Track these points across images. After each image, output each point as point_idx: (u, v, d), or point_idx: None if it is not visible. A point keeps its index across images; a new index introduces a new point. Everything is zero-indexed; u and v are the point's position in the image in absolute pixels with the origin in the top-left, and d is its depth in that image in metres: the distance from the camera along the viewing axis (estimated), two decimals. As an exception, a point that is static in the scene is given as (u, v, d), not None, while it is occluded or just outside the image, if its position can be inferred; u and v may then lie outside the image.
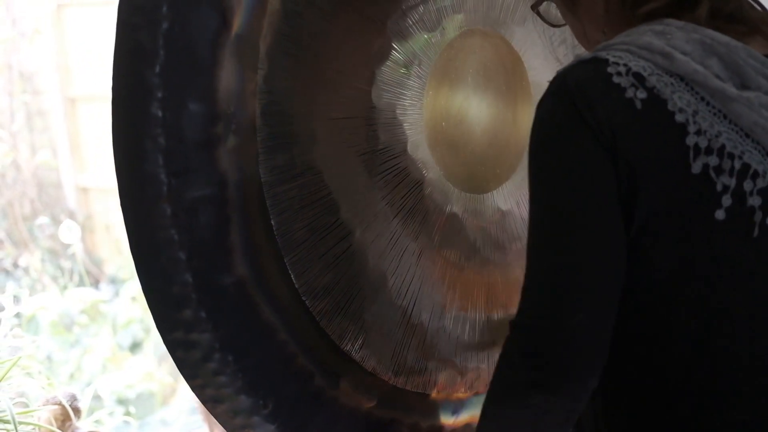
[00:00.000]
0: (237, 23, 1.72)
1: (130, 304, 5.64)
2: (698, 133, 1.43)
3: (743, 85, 1.46)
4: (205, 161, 1.72)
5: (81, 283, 5.97)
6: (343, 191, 1.94)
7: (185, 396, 4.81)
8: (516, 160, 2.18)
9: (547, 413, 1.45)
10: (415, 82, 2.04)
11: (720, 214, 1.43)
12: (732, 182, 1.43)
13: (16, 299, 2.59)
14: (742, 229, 1.45)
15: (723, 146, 1.43)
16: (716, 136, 1.43)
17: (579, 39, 1.76)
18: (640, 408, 1.53)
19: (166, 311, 1.74)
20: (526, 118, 2.17)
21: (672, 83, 1.44)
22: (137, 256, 1.71)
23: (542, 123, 1.49)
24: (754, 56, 1.49)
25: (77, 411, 2.41)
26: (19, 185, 6.72)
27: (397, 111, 2.01)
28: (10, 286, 2.75)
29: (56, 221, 6.08)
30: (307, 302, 1.89)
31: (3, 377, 2.33)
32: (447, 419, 2.13)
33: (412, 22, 2.03)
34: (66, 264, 6.04)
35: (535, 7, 1.80)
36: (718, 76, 1.45)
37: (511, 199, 2.19)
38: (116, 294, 5.92)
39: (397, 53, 2.02)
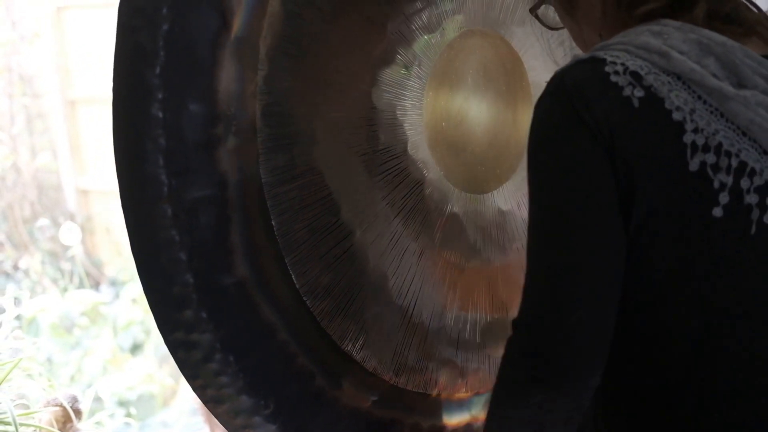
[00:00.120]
0: (237, 24, 1.73)
1: (131, 306, 5.65)
2: (695, 131, 1.43)
3: (740, 84, 1.47)
4: (206, 162, 1.72)
5: (81, 285, 5.97)
6: (344, 192, 1.95)
7: (186, 397, 4.81)
8: (516, 161, 2.18)
9: (549, 412, 1.46)
10: (415, 82, 2.04)
11: (717, 212, 1.43)
12: (729, 180, 1.43)
13: (17, 301, 2.59)
14: (739, 227, 1.45)
15: (720, 144, 1.43)
16: (713, 134, 1.43)
17: (576, 42, 1.77)
18: (640, 408, 1.53)
19: (167, 312, 1.74)
20: (526, 118, 2.17)
21: (669, 82, 1.45)
22: (138, 256, 1.72)
23: (540, 123, 1.49)
24: (750, 56, 1.50)
25: (78, 412, 2.41)
26: (20, 188, 6.73)
27: (398, 111, 2.02)
28: (11, 289, 2.75)
29: (56, 223, 6.09)
30: (307, 302, 1.89)
31: (4, 379, 2.34)
32: (448, 419, 2.13)
33: (412, 23, 2.03)
34: (66, 266, 6.05)
35: (533, 11, 1.81)
36: (715, 75, 1.46)
37: (512, 199, 2.20)
38: (116, 296, 5.92)
39: (398, 54, 2.02)
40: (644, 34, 1.49)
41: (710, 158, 1.43)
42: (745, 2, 1.62)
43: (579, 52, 1.80)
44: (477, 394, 2.17)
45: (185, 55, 1.67)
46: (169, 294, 1.72)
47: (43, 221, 6.24)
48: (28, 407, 2.37)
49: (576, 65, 1.49)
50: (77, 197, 6.82)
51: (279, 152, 1.83)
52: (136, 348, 5.43)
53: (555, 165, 1.47)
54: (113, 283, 6.21)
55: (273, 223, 1.83)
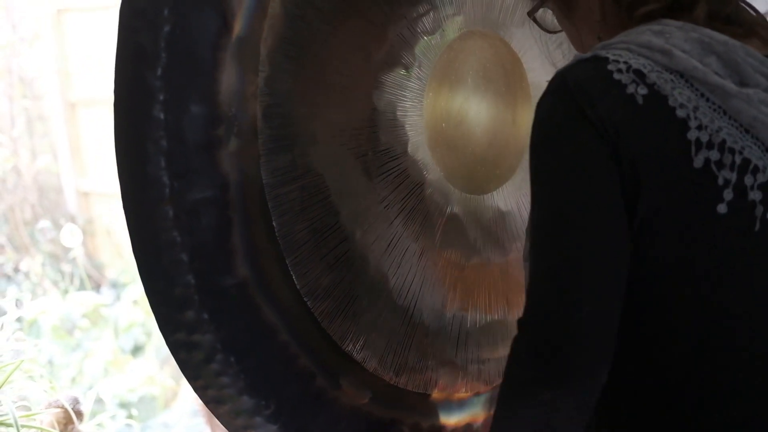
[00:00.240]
0: (238, 26, 1.73)
1: (132, 308, 5.65)
2: (699, 128, 1.44)
3: (742, 83, 1.48)
4: (207, 163, 1.72)
5: (82, 287, 5.97)
6: (344, 193, 1.95)
7: (187, 399, 4.81)
8: (516, 161, 2.18)
9: (557, 411, 1.45)
10: (415, 83, 2.04)
11: (722, 208, 1.44)
12: (733, 177, 1.44)
13: (18, 303, 2.60)
14: (743, 224, 1.45)
15: (724, 141, 1.44)
16: (717, 131, 1.44)
17: (575, 45, 1.77)
18: (641, 407, 1.53)
19: (169, 313, 1.75)
20: (525, 118, 2.18)
21: (672, 80, 1.46)
22: (140, 258, 1.72)
23: (543, 121, 1.50)
24: (752, 54, 1.50)
25: (80, 414, 2.41)
26: (20, 190, 6.74)
27: (398, 112, 2.02)
28: (12, 291, 2.76)
29: (57, 225, 6.09)
30: (308, 303, 1.89)
31: (5, 381, 2.34)
32: (448, 419, 2.13)
33: (413, 25, 2.04)
34: (67, 268, 6.05)
35: (531, 14, 1.81)
36: (717, 74, 1.47)
37: (511, 199, 2.20)
38: (117, 298, 5.92)
39: (398, 55, 2.03)
40: (646, 34, 1.50)
41: (714, 155, 1.44)
42: (744, 4, 1.63)
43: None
44: (477, 394, 2.17)
45: (186, 57, 1.67)
46: (171, 295, 1.73)
47: (44, 223, 6.24)
48: (29, 409, 2.37)
49: (578, 64, 1.49)
50: (78, 199, 6.82)
51: (280, 153, 1.83)
52: (137, 350, 5.43)
53: (558, 163, 1.47)
54: (114, 285, 6.22)
55: (274, 224, 1.83)
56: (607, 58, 1.47)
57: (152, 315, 1.77)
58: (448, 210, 2.12)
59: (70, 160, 6.77)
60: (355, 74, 1.97)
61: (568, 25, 1.75)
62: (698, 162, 1.44)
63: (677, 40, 1.48)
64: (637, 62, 1.46)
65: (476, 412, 2.17)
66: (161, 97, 1.65)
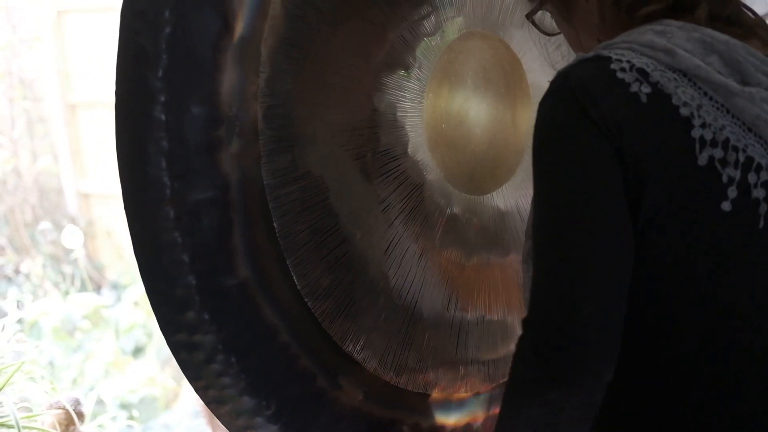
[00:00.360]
0: (239, 27, 1.73)
1: (133, 309, 5.65)
2: (703, 126, 1.45)
3: (743, 82, 1.49)
4: (208, 164, 1.72)
5: (83, 289, 5.97)
6: (345, 193, 1.95)
7: (188, 400, 4.82)
8: (515, 162, 2.19)
9: (563, 410, 1.46)
10: (415, 84, 2.04)
11: (726, 206, 1.45)
12: (737, 174, 1.45)
13: (20, 304, 2.60)
14: (747, 221, 1.46)
15: (727, 139, 1.45)
16: (720, 130, 1.45)
17: (573, 47, 1.78)
18: (645, 405, 1.53)
19: (170, 313, 1.75)
20: (525, 119, 2.18)
21: (675, 78, 1.46)
22: (141, 258, 1.72)
23: (545, 121, 1.50)
24: (753, 54, 1.51)
25: (81, 415, 2.41)
26: (21, 192, 6.74)
27: (398, 113, 2.02)
28: (13, 292, 2.76)
29: (58, 227, 6.09)
30: (309, 304, 1.90)
31: (6, 382, 2.34)
32: (448, 419, 2.14)
33: (413, 26, 2.04)
34: (68, 270, 6.05)
35: (529, 16, 1.81)
36: (719, 73, 1.47)
37: (511, 199, 2.21)
38: (118, 299, 5.92)
39: (398, 56, 2.03)
40: (648, 33, 1.51)
41: (718, 153, 1.45)
42: (743, 7, 1.64)
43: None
44: (477, 394, 2.18)
45: (187, 58, 1.68)
46: (172, 296, 1.73)
47: (45, 224, 6.24)
48: (30, 410, 2.38)
49: (580, 63, 1.50)
50: (78, 201, 6.82)
51: (281, 154, 1.83)
52: (138, 351, 5.43)
53: (562, 162, 1.48)
54: (115, 287, 6.22)
55: (275, 224, 1.83)
56: (609, 58, 1.47)
57: (153, 316, 1.77)
58: (448, 210, 2.12)
59: (71, 161, 6.78)
60: (355, 75, 1.97)
61: (566, 28, 1.76)
62: (702, 160, 1.44)
63: (679, 40, 1.49)
64: (640, 61, 1.47)
65: (476, 412, 2.17)
66: (162, 98, 1.66)
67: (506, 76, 2.17)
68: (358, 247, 1.97)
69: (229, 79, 1.73)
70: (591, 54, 1.51)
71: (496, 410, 2.14)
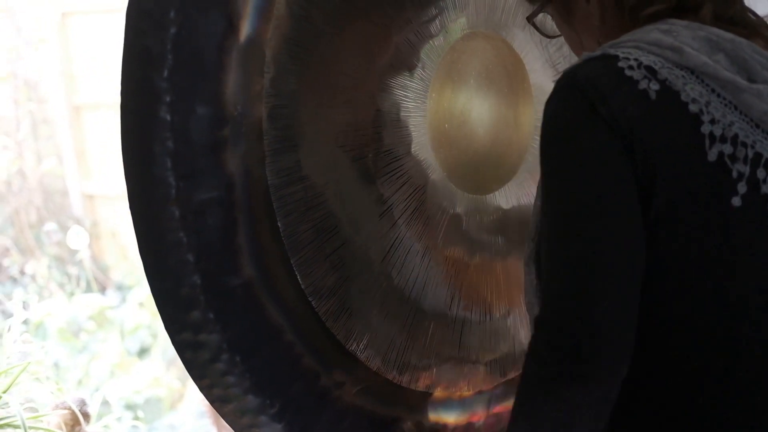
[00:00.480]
0: (244, 27, 1.74)
1: (138, 310, 5.65)
2: (712, 122, 1.46)
3: (750, 79, 1.50)
4: (213, 164, 1.73)
5: (88, 290, 5.97)
6: (348, 193, 1.96)
7: (193, 400, 4.82)
8: (518, 161, 2.19)
9: (581, 406, 1.45)
10: (418, 84, 2.05)
11: (736, 201, 1.46)
12: (746, 170, 1.46)
13: (25, 305, 2.61)
14: (757, 217, 1.47)
15: (736, 135, 1.46)
16: (729, 126, 1.46)
17: (574, 49, 1.78)
18: (659, 400, 1.53)
19: (175, 313, 1.75)
20: (527, 119, 2.19)
21: (683, 76, 1.47)
22: (146, 258, 1.73)
23: (554, 118, 1.51)
24: (758, 52, 1.53)
25: (86, 416, 2.42)
26: (25, 193, 6.74)
27: (401, 113, 2.02)
28: (18, 293, 2.77)
29: (63, 228, 6.10)
30: (313, 303, 1.90)
31: (12, 383, 2.35)
32: (450, 417, 2.14)
33: (417, 27, 2.05)
34: (73, 271, 6.05)
35: (530, 19, 1.82)
36: (726, 71, 1.48)
37: (513, 199, 2.21)
38: (123, 300, 5.93)
39: (402, 57, 2.03)
40: (654, 32, 1.52)
41: (728, 149, 1.46)
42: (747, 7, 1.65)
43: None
44: (479, 392, 2.18)
45: (192, 59, 1.68)
46: (177, 295, 1.74)
47: (50, 225, 6.24)
48: (36, 410, 2.38)
49: (587, 62, 1.51)
50: (83, 202, 6.83)
51: (285, 154, 1.83)
52: (143, 352, 5.44)
53: (572, 158, 1.48)
54: (119, 288, 6.22)
55: (279, 224, 1.84)
56: (617, 56, 1.48)
57: (158, 317, 1.78)
58: (451, 210, 2.12)
59: (75, 163, 6.78)
60: (359, 75, 1.97)
61: (567, 30, 1.76)
62: (712, 155, 1.45)
63: (685, 38, 1.50)
64: (647, 59, 1.48)
65: (478, 411, 2.18)
66: (167, 99, 1.66)
67: (509, 76, 2.17)
68: (361, 247, 1.98)
69: (233, 79, 1.74)
70: (598, 53, 1.52)
71: (498, 409, 2.16)
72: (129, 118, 1.69)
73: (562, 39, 1.86)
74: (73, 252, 5.83)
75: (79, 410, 2.39)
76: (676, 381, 1.52)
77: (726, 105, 1.47)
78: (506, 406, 2.21)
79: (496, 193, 2.19)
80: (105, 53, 6.06)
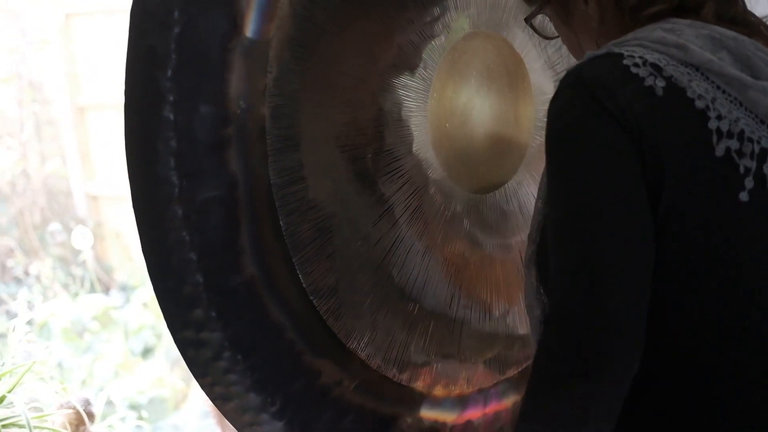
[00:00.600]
0: (247, 27, 1.74)
1: (142, 311, 5.65)
2: (719, 118, 1.47)
3: (754, 76, 1.51)
4: (216, 163, 1.74)
5: (92, 290, 5.97)
6: (350, 192, 1.96)
7: (197, 400, 4.82)
8: (518, 160, 2.20)
9: (593, 402, 1.46)
10: (420, 84, 2.05)
11: (744, 196, 1.47)
12: (753, 165, 1.47)
13: (30, 305, 2.62)
14: (764, 212, 1.49)
15: (742, 131, 1.47)
16: (735, 122, 1.47)
17: (573, 51, 1.79)
18: (668, 395, 1.53)
19: (178, 311, 1.76)
20: (528, 118, 2.19)
21: (688, 73, 1.48)
22: (149, 257, 1.74)
23: (560, 115, 1.51)
24: (761, 49, 1.54)
25: (91, 415, 2.43)
26: (29, 194, 6.74)
27: (403, 113, 2.03)
28: (22, 294, 2.78)
29: (66, 229, 6.10)
30: (314, 302, 1.91)
31: (17, 382, 2.36)
32: (450, 415, 2.14)
33: (419, 28, 2.05)
34: (77, 271, 6.05)
35: (528, 20, 1.82)
36: (731, 67, 1.49)
37: (513, 198, 2.22)
38: (127, 300, 5.93)
39: (403, 57, 2.04)
40: (657, 31, 1.53)
41: (734, 144, 1.47)
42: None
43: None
44: (478, 390, 2.19)
45: (196, 58, 1.69)
46: (180, 294, 1.74)
47: (55, 225, 6.24)
48: (41, 410, 2.39)
49: (592, 61, 1.52)
50: (87, 203, 6.82)
51: (287, 153, 1.84)
52: (147, 352, 5.43)
53: (581, 154, 1.49)
54: (123, 288, 6.22)
55: (281, 223, 1.84)
56: (621, 54, 1.49)
57: (162, 317, 1.79)
58: (452, 209, 2.13)
59: (79, 163, 6.78)
60: (361, 75, 1.98)
61: (566, 32, 1.77)
62: (720, 151, 1.46)
63: (689, 36, 1.51)
64: (652, 57, 1.49)
65: (477, 408, 2.18)
66: (171, 98, 1.67)
67: (509, 76, 2.18)
68: (362, 246, 1.98)
69: (237, 78, 1.75)
70: (602, 51, 1.52)
71: (497, 406, 2.16)
72: (133, 117, 1.70)
73: (558, 41, 1.87)
74: (77, 253, 5.83)
75: (84, 410, 2.40)
76: (685, 376, 1.52)
77: (731, 101, 1.48)
78: (505, 404, 2.22)
79: (497, 192, 2.20)
80: (109, 54, 6.04)
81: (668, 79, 1.47)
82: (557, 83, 2.04)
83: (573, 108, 1.50)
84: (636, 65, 1.47)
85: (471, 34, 2.13)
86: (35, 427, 2.26)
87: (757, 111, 1.49)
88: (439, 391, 2.13)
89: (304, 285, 1.89)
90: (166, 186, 1.70)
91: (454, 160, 2.11)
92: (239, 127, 1.76)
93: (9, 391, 2.33)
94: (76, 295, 5.89)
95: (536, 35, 1.90)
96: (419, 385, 2.10)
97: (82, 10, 6.65)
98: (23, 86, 6.77)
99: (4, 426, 2.25)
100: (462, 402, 2.17)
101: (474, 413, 2.18)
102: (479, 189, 2.17)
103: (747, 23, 1.62)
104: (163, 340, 5.35)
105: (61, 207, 6.90)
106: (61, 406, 2.41)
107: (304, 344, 1.89)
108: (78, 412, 2.39)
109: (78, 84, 6.69)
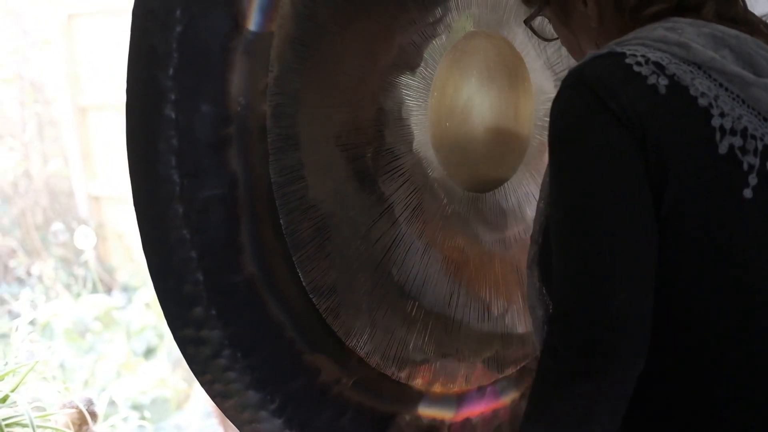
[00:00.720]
0: (248, 26, 1.75)
1: (144, 311, 5.65)
2: (722, 115, 1.47)
3: (756, 74, 1.51)
4: (217, 162, 1.74)
5: (94, 291, 5.98)
6: (350, 191, 1.97)
7: (199, 401, 4.82)
8: (518, 160, 2.20)
9: (598, 401, 1.46)
10: (420, 83, 2.06)
11: (748, 193, 1.47)
12: (757, 162, 1.48)
13: (33, 304, 2.62)
14: (767, 208, 1.48)
15: (745, 128, 1.48)
16: (738, 119, 1.48)
17: (572, 52, 1.79)
18: (673, 393, 1.54)
19: (178, 309, 1.77)
20: (528, 117, 2.20)
21: (691, 71, 1.49)
22: (150, 255, 1.74)
23: (563, 115, 1.51)
24: (763, 47, 1.54)
25: (94, 415, 2.43)
26: (32, 194, 6.74)
27: (403, 112, 2.03)
28: (25, 294, 2.78)
29: (69, 229, 6.11)
30: (314, 300, 1.91)
31: (20, 382, 2.36)
32: (448, 413, 2.15)
33: (420, 27, 2.06)
34: (79, 272, 6.06)
35: (528, 22, 1.82)
36: (733, 65, 1.50)
37: (513, 197, 2.22)
38: (129, 301, 5.93)
39: (405, 56, 2.04)
40: (658, 30, 1.53)
41: (738, 141, 1.47)
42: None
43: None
44: (477, 388, 2.19)
45: (197, 57, 1.70)
46: (180, 292, 1.75)
47: (58, 225, 6.24)
48: (44, 410, 2.40)
49: (594, 60, 1.52)
50: (89, 203, 6.83)
51: (288, 152, 1.85)
52: (149, 352, 5.43)
53: (584, 154, 1.49)
54: (125, 289, 6.22)
55: (281, 222, 1.85)
56: (623, 53, 1.49)
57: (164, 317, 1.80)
58: (451, 208, 2.13)
59: (81, 164, 6.78)
60: (362, 75, 1.98)
61: (565, 33, 1.77)
62: (723, 148, 1.47)
63: (690, 35, 1.52)
64: (654, 55, 1.49)
65: (475, 406, 2.19)
66: (172, 97, 1.68)
67: (510, 75, 2.18)
68: (362, 244, 1.99)
69: (238, 77, 1.75)
70: (604, 51, 1.53)
71: (495, 405, 2.17)
72: (134, 116, 1.70)
73: (558, 42, 1.87)
74: (79, 253, 5.83)
75: (87, 410, 2.40)
76: (689, 375, 1.52)
77: (734, 99, 1.49)
78: (503, 402, 2.22)
79: (496, 191, 2.20)
80: (111, 55, 6.06)
81: (671, 77, 1.47)
82: (557, 83, 2.05)
83: (575, 107, 1.50)
84: (638, 64, 1.47)
85: (471, 34, 2.14)
86: (38, 427, 2.26)
87: (759, 108, 1.49)
88: (437, 388, 2.13)
89: (303, 283, 1.89)
90: (167, 185, 1.70)
91: (454, 158, 2.11)
92: (240, 126, 1.76)
93: (12, 391, 2.34)
94: (78, 295, 5.89)
95: (536, 36, 1.91)
96: (418, 382, 2.10)
97: (84, 10, 6.65)
98: (25, 87, 6.78)
99: (7, 425, 2.25)
100: (460, 400, 2.17)
101: (472, 411, 2.18)
102: (479, 187, 2.17)
103: (747, 22, 1.62)
104: (166, 341, 5.35)
105: (63, 207, 6.90)
106: (64, 406, 2.41)
107: (303, 342, 1.90)
108: (81, 412, 2.39)
109: (80, 84, 6.69)
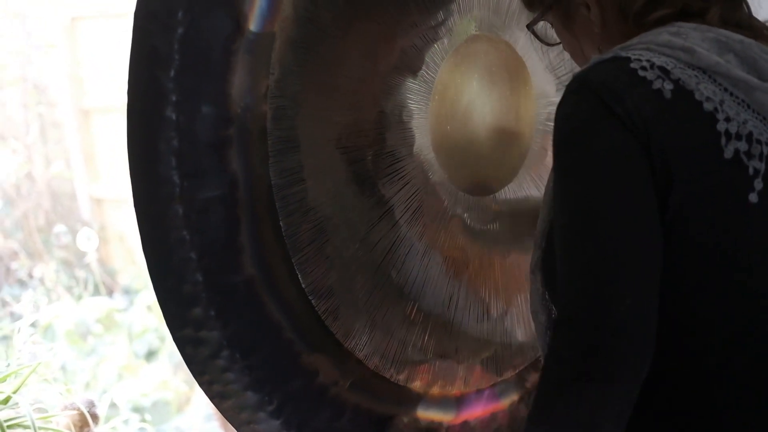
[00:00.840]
0: (249, 28, 1.76)
1: (146, 313, 5.65)
2: (727, 120, 1.47)
3: (760, 79, 1.51)
4: (217, 163, 1.75)
5: (96, 293, 5.98)
6: (350, 193, 1.97)
7: (200, 403, 4.82)
8: (518, 163, 2.20)
9: (603, 407, 1.45)
10: (422, 86, 2.06)
11: (753, 198, 1.46)
12: (762, 167, 1.47)
13: (35, 306, 2.63)
14: None
15: (750, 133, 1.47)
16: (743, 123, 1.47)
17: (575, 57, 1.79)
18: (679, 396, 1.53)
19: (177, 309, 1.78)
20: (529, 121, 2.19)
21: (696, 75, 1.48)
22: (150, 256, 1.75)
23: (568, 119, 1.51)
24: (767, 52, 1.53)
25: (95, 417, 2.44)
26: (34, 196, 6.74)
27: (404, 115, 2.04)
28: (27, 296, 2.78)
29: (71, 232, 6.11)
30: (313, 302, 1.92)
31: (22, 384, 2.37)
32: (446, 416, 2.15)
33: (422, 30, 2.06)
34: (81, 274, 6.06)
35: (530, 27, 1.82)
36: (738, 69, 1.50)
37: (514, 200, 2.21)
38: (131, 303, 5.94)
39: (406, 59, 2.05)
40: (663, 34, 1.53)
41: (743, 146, 1.46)
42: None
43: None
44: (475, 391, 2.19)
45: (199, 59, 1.71)
46: (180, 292, 1.75)
47: (60, 227, 6.25)
48: (45, 411, 2.40)
49: (599, 65, 1.51)
50: (91, 206, 6.83)
51: (288, 154, 1.85)
52: (150, 355, 5.43)
53: (589, 158, 1.48)
54: (127, 291, 6.22)
55: (281, 223, 1.86)
56: (628, 58, 1.49)
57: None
58: (452, 211, 2.13)
59: (84, 166, 6.78)
60: (363, 77, 1.99)
61: (568, 38, 1.77)
62: (728, 153, 1.46)
63: (695, 40, 1.51)
64: (659, 60, 1.48)
65: (474, 409, 2.19)
66: (174, 98, 1.69)
67: (511, 79, 2.18)
68: (361, 247, 1.99)
69: (239, 79, 1.76)
70: (608, 55, 1.52)
71: (493, 407, 2.16)
72: (135, 116, 1.71)
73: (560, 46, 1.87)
74: (81, 255, 5.84)
75: (88, 412, 2.40)
76: (693, 379, 1.52)
77: (739, 103, 1.48)
78: (502, 404, 2.22)
79: (497, 194, 2.20)
80: (114, 57, 6.06)
81: (676, 82, 1.47)
82: (559, 86, 2.05)
83: (580, 112, 1.50)
84: (643, 68, 1.47)
85: (473, 37, 2.14)
86: (40, 428, 2.27)
87: (764, 113, 1.49)
88: (436, 391, 2.13)
89: (303, 285, 1.90)
90: (167, 185, 1.71)
91: (455, 162, 2.12)
92: (240, 127, 1.77)
93: (14, 392, 2.34)
94: (80, 297, 5.89)
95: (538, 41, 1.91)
96: (416, 384, 2.10)
97: (87, 13, 6.65)
98: (28, 89, 6.78)
99: (9, 426, 2.26)
100: (459, 402, 2.17)
101: (471, 414, 2.18)
102: (480, 191, 2.17)
103: (752, 27, 1.62)
104: (167, 343, 5.35)
105: (66, 210, 6.90)
106: (66, 408, 2.42)
107: (302, 343, 1.90)
108: (82, 414, 2.40)
109: (83, 87, 6.69)
